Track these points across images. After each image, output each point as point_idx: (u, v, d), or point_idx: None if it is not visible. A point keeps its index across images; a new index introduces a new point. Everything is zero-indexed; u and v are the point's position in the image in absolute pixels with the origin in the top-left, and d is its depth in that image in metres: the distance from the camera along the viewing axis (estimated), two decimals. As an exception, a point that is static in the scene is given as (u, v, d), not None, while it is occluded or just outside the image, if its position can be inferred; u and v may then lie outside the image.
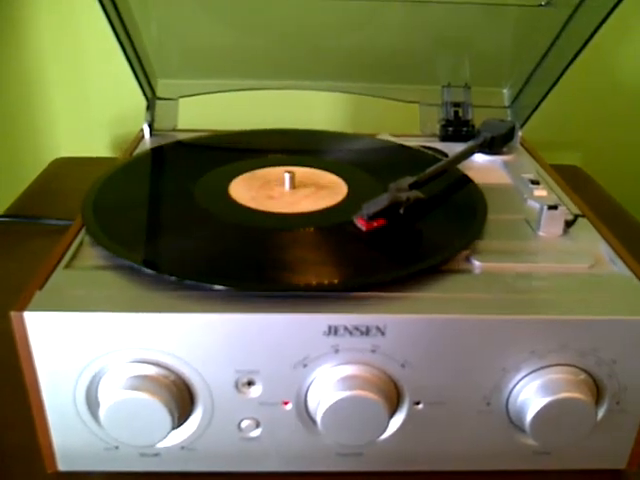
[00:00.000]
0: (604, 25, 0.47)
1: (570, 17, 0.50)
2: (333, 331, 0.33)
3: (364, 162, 0.51)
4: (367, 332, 0.33)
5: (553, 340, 0.33)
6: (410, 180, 0.41)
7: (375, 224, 0.38)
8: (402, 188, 0.40)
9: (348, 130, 0.64)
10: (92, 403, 0.34)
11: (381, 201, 0.38)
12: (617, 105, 0.84)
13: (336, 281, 0.34)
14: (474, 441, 0.36)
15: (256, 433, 0.35)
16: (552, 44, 0.53)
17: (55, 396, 0.34)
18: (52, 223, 0.60)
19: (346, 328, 0.33)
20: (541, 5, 0.52)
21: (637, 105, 0.84)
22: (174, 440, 0.35)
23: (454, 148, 0.53)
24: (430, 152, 0.54)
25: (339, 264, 0.37)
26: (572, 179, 0.51)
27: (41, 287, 0.34)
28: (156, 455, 0.36)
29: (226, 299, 0.33)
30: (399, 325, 0.33)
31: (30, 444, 0.36)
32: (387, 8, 0.56)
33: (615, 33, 0.79)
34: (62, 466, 0.36)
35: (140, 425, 0.33)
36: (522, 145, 0.57)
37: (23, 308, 0.32)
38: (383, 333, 0.33)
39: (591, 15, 0.47)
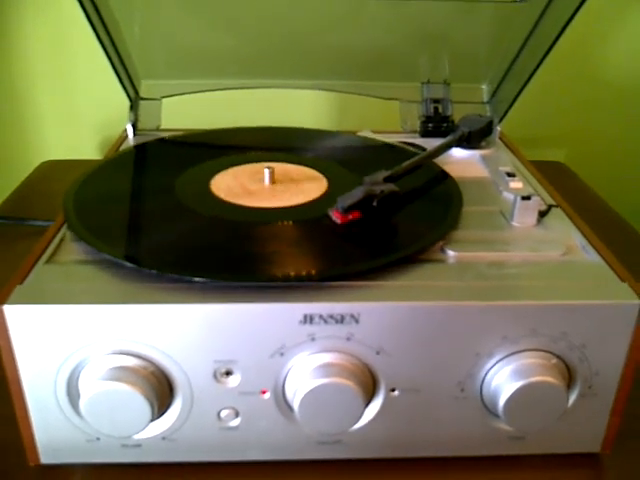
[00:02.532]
0: (587, 23, 0.48)
1: (543, 12, 0.51)
2: (309, 320, 0.33)
3: (344, 158, 0.51)
4: (342, 320, 0.33)
5: (524, 325, 0.34)
6: (385, 174, 0.42)
7: (350, 217, 0.39)
8: (377, 181, 0.41)
9: (330, 127, 0.65)
10: (73, 395, 0.35)
11: (356, 194, 0.39)
12: (601, 102, 0.85)
13: (312, 271, 0.35)
14: (450, 427, 0.37)
15: (235, 422, 0.36)
16: (527, 39, 0.54)
17: (36, 389, 0.34)
18: (39, 224, 0.61)
19: (321, 317, 0.33)
20: (515, 1, 0.53)
21: (621, 101, 0.85)
22: (155, 431, 0.36)
23: (434, 144, 0.54)
24: (410, 148, 0.55)
25: (314, 255, 0.38)
26: (555, 174, 0.51)
27: (22, 281, 0.34)
28: (137, 446, 0.36)
29: (205, 291, 0.34)
30: (373, 313, 0.33)
31: (12, 438, 0.36)
32: (367, 7, 0.57)
33: (598, 31, 0.80)
34: (44, 459, 0.37)
35: (120, 416, 0.34)
36: (501, 140, 0.58)
37: (3, 302, 0.32)
38: (357, 321, 0.33)
39: (562, 10, 0.48)
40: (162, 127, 0.59)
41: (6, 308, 0.32)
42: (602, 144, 0.87)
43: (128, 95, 0.58)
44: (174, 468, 0.37)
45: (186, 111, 0.63)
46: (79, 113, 0.84)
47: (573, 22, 0.49)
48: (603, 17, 0.79)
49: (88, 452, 0.36)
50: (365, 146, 0.56)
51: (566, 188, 0.48)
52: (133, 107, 0.58)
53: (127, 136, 0.58)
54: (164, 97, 0.59)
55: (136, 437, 0.36)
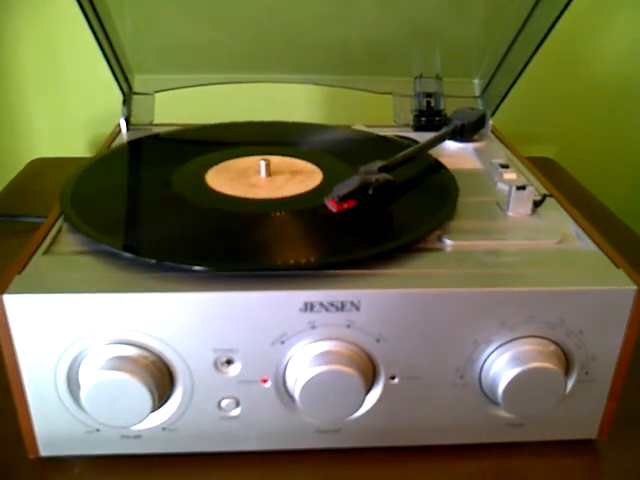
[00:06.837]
0: (577, 20, 0.48)
1: (533, 7, 0.52)
2: (309, 307, 0.33)
3: (339, 151, 0.52)
4: (342, 307, 0.34)
5: (521, 311, 0.34)
6: (380, 164, 0.42)
7: (345, 205, 0.39)
8: (372, 171, 0.41)
9: (323, 122, 0.65)
10: (73, 386, 0.34)
11: (351, 183, 0.39)
12: (591, 99, 0.86)
13: (311, 259, 0.35)
14: (449, 415, 0.37)
15: (236, 412, 0.36)
16: (517, 34, 0.54)
17: (36, 380, 0.34)
18: (30, 221, 0.61)
19: (322, 304, 0.33)
20: (507, -5, 0.53)
21: (610, 98, 0.86)
22: (155, 421, 0.36)
23: (427, 137, 0.54)
24: (404, 140, 0.55)
25: (313, 244, 0.38)
26: (545, 170, 0.52)
27: (20, 272, 0.34)
28: (137, 437, 0.36)
29: (204, 279, 0.34)
30: (373, 300, 0.34)
31: (11, 431, 0.36)
32: (360, 1, 0.57)
33: (588, 28, 0.81)
34: (44, 451, 0.36)
35: (121, 406, 0.33)
36: (493, 133, 0.58)
37: (2, 291, 0.32)
38: (358, 308, 0.34)
39: (553, 5, 0.49)
40: (155, 122, 0.59)
41: (6, 297, 0.32)
42: (591, 140, 0.89)
43: (121, 90, 0.58)
44: (174, 459, 0.37)
45: (179, 106, 0.63)
46: (68, 112, 0.84)
47: (563, 19, 0.49)
48: (593, 14, 0.80)
49: (88, 444, 0.36)
50: (359, 139, 0.56)
51: (556, 183, 0.48)
52: (126, 102, 0.58)
53: (120, 130, 0.58)
54: (157, 92, 0.59)
55: (136, 428, 0.36)
